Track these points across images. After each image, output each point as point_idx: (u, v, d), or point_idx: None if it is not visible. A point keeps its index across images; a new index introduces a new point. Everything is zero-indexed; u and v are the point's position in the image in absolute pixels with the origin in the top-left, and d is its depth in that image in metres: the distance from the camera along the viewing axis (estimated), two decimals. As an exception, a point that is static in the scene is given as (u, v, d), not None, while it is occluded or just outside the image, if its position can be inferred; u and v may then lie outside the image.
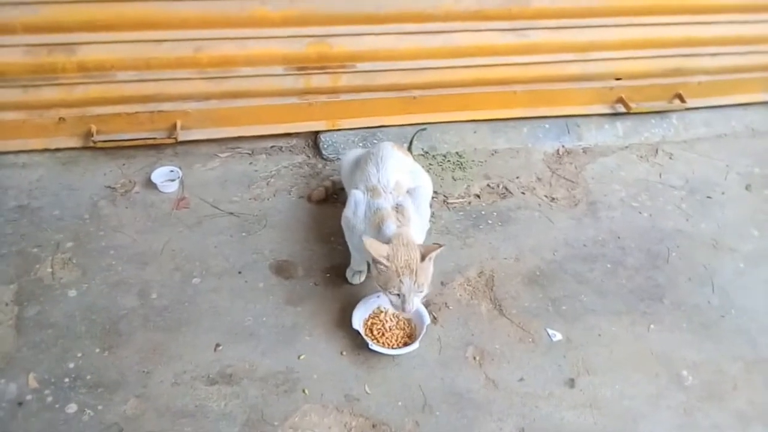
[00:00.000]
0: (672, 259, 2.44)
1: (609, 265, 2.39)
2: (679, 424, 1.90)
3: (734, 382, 2.03)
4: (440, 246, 1.88)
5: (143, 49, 2.44)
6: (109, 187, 2.51)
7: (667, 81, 3.07)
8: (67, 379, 1.84)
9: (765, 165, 3.00)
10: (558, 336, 2.11)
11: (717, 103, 3.21)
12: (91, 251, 2.23)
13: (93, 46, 2.40)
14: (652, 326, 2.18)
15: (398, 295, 1.87)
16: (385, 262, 1.84)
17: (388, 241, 1.89)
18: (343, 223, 2.13)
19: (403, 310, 1.89)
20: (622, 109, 3.05)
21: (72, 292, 2.09)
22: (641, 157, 2.99)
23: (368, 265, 2.15)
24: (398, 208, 2.03)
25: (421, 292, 1.89)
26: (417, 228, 2.05)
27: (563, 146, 2.99)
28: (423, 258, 1.86)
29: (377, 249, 1.85)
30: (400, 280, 1.84)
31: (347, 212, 2.09)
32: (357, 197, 2.08)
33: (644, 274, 2.37)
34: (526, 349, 2.06)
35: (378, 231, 1.96)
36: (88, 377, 1.85)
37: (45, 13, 2.28)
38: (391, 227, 1.95)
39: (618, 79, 3.01)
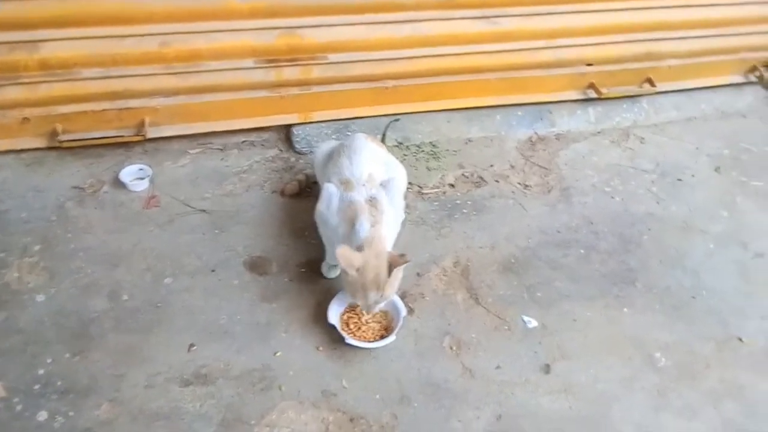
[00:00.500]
0: (644, 242, 2.47)
1: (582, 251, 2.41)
2: (654, 406, 1.93)
3: (706, 362, 2.07)
4: (407, 261, 1.89)
5: (108, 45, 2.39)
6: (77, 187, 2.46)
7: (637, 66, 3.09)
8: (37, 386, 1.81)
9: (734, 147, 3.05)
10: (533, 323, 2.12)
11: (686, 86, 3.24)
12: (60, 254, 2.19)
13: (55, 43, 2.34)
14: (625, 309, 2.20)
15: (366, 304, 1.93)
16: (354, 274, 1.86)
17: (360, 243, 1.90)
18: (316, 218, 2.12)
19: (366, 311, 1.97)
20: (594, 95, 3.07)
21: (40, 297, 2.05)
22: (613, 142, 3.01)
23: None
24: (372, 201, 2.02)
25: (385, 300, 1.93)
26: (390, 221, 2.04)
27: (536, 133, 3.00)
28: (390, 272, 1.87)
29: (349, 260, 1.86)
30: (365, 294, 1.88)
31: (320, 206, 2.07)
32: (330, 190, 2.06)
33: (617, 258, 2.39)
34: (502, 336, 2.08)
35: (351, 228, 1.95)
36: (59, 383, 1.82)
37: (5, 9, 2.22)
38: (364, 226, 1.93)
39: (589, 64, 3.03)
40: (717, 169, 2.90)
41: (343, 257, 1.85)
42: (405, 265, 1.90)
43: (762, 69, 3.29)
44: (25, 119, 2.45)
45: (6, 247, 2.19)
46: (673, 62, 3.14)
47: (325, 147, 2.36)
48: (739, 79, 3.34)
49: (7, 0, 2.20)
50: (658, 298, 2.26)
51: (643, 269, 2.36)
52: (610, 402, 1.92)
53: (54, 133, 2.49)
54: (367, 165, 2.11)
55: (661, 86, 3.13)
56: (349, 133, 2.77)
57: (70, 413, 1.75)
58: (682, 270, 2.37)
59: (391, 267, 1.87)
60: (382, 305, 1.97)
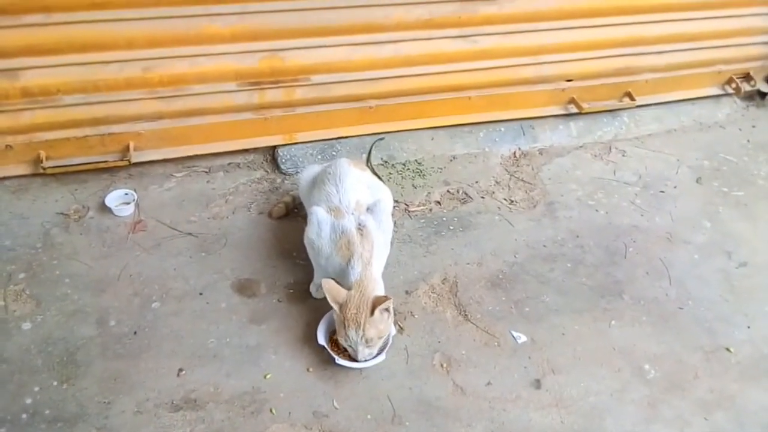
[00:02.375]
0: (629, 254, 2.50)
1: (569, 264, 2.43)
2: (645, 417, 1.93)
3: (695, 372, 2.08)
4: (388, 299, 1.90)
5: (90, 71, 2.40)
6: (62, 213, 2.44)
7: (616, 80, 3.15)
8: (24, 415, 1.78)
9: (714, 158, 3.10)
10: (522, 338, 2.13)
11: (665, 99, 3.30)
12: (45, 281, 2.17)
13: (37, 71, 2.34)
14: (613, 322, 2.22)
15: (348, 345, 1.93)
16: (337, 310, 1.89)
17: (350, 287, 1.94)
18: (306, 244, 2.14)
19: (355, 357, 1.94)
20: (575, 110, 3.12)
21: (26, 325, 2.02)
22: (595, 155, 3.05)
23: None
24: (361, 230, 2.05)
25: (369, 346, 1.92)
26: (381, 247, 2.09)
27: (519, 149, 3.04)
28: (372, 312, 1.88)
29: (334, 296, 1.90)
30: (346, 333, 1.88)
31: (310, 233, 2.09)
32: (319, 216, 2.08)
33: (603, 270, 2.41)
34: (492, 353, 2.08)
35: (346, 264, 2.00)
36: (47, 412, 1.79)
37: (-15, 38, 2.22)
38: (356, 270, 1.97)
39: (569, 80, 3.08)
40: (698, 180, 2.95)
41: (328, 292, 1.89)
42: (386, 305, 1.90)
43: (738, 81, 3.36)
44: (8, 146, 2.44)
45: (-10, 276, 2.17)
46: (651, 76, 3.20)
47: (309, 172, 2.38)
48: (716, 91, 3.41)
49: (-12, 29, 2.21)
50: (646, 309, 2.27)
51: (629, 281, 2.38)
52: (601, 415, 1.92)
53: (38, 160, 2.48)
54: (354, 192, 2.16)
55: (640, 100, 3.19)
56: (335, 154, 2.79)
57: (58, 443, 1.72)
58: (668, 281, 2.39)
59: (374, 307, 1.88)
60: (371, 353, 1.94)
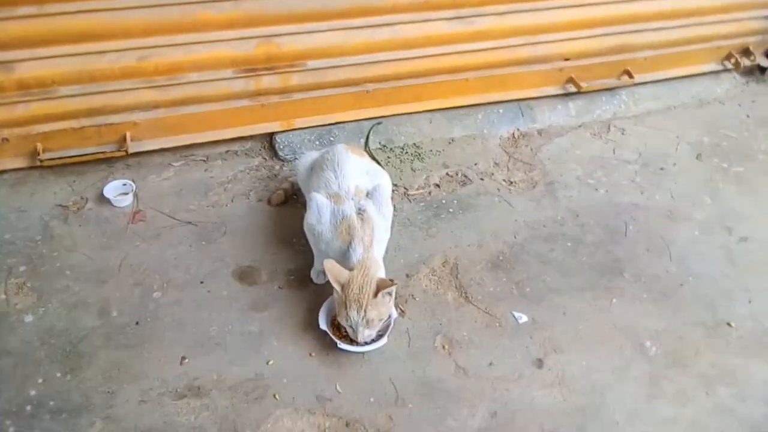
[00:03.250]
0: (630, 232, 2.49)
1: (569, 244, 2.43)
2: (646, 394, 1.94)
3: (696, 348, 2.09)
4: (394, 284, 1.90)
5: (85, 61, 2.37)
6: (61, 205, 2.44)
7: (614, 58, 3.12)
8: (29, 407, 1.79)
9: (713, 134, 3.08)
10: (524, 318, 2.13)
11: (664, 76, 3.28)
12: (46, 273, 2.17)
13: (32, 63, 2.32)
14: (614, 300, 2.22)
15: (349, 325, 1.92)
16: (338, 289, 1.88)
17: (352, 269, 1.93)
18: (306, 230, 2.14)
19: (355, 338, 1.94)
20: (573, 89, 3.10)
21: (28, 317, 2.03)
22: (594, 134, 3.04)
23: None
24: (361, 215, 2.04)
25: (370, 327, 1.92)
26: (381, 231, 2.08)
27: (518, 129, 3.02)
28: (375, 294, 1.88)
29: (335, 276, 1.89)
30: (347, 313, 1.88)
31: (311, 219, 2.09)
32: (319, 202, 2.08)
33: (604, 249, 2.41)
34: (494, 333, 2.08)
35: (347, 247, 1.99)
36: (51, 403, 1.80)
37: (-22, 31, 2.21)
38: (358, 252, 1.97)
39: (567, 59, 3.05)
40: (698, 157, 2.93)
41: (330, 271, 1.88)
42: (391, 289, 1.90)
43: (737, 56, 3.33)
44: (5, 140, 2.44)
45: (-9, 270, 2.17)
46: (649, 53, 3.17)
47: (306, 158, 2.38)
48: (715, 66, 3.38)
49: (-19, 21, 2.20)
50: (647, 286, 2.27)
51: (630, 259, 2.38)
52: (603, 392, 1.93)
53: (35, 153, 2.47)
54: (353, 177, 2.15)
55: (639, 77, 3.17)
56: (333, 139, 2.78)
57: (64, 433, 1.74)
58: (669, 258, 2.39)
59: (378, 290, 1.88)
60: (371, 334, 1.94)
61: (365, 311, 1.87)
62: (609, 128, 3.08)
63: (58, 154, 2.50)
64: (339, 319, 1.94)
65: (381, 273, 2.01)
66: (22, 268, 2.18)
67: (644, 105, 3.22)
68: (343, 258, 2.01)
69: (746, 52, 3.37)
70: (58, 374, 1.88)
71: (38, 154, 2.46)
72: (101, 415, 1.78)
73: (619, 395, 1.93)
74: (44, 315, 2.04)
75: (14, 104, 2.39)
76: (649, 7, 3.04)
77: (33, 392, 1.83)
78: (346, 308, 1.88)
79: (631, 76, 3.14)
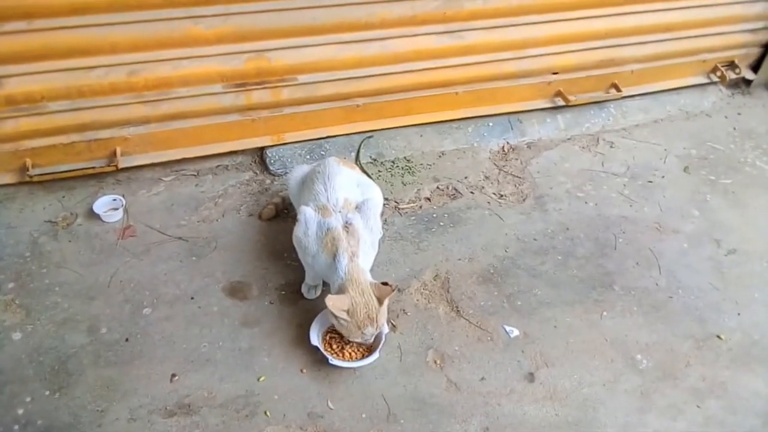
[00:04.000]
0: (619, 245, 2.51)
1: (560, 257, 2.44)
2: (638, 407, 1.95)
3: (686, 360, 2.10)
4: (393, 289, 1.92)
5: (74, 77, 2.36)
6: (50, 221, 2.43)
7: (601, 72, 3.15)
8: (16, 426, 1.77)
9: (701, 146, 3.12)
10: (515, 332, 2.14)
11: (651, 89, 3.31)
12: (35, 290, 2.16)
13: (20, 78, 2.31)
14: (604, 313, 2.23)
15: (364, 340, 1.96)
16: (346, 317, 1.88)
17: (342, 281, 1.94)
18: (294, 243, 2.13)
19: (362, 341, 1.97)
20: (562, 102, 3.12)
21: (17, 335, 2.01)
22: (583, 147, 3.06)
23: (323, 281, 2.17)
24: (348, 228, 2.04)
25: (380, 328, 1.96)
26: (367, 246, 2.08)
27: (508, 143, 3.04)
28: (380, 303, 1.90)
29: (338, 306, 1.88)
30: (362, 332, 1.90)
31: (298, 232, 2.09)
32: (307, 215, 2.08)
33: (594, 262, 2.42)
34: (485, 347, 2.09)
35: (332, 259, 1.99)
36: (39, 422, 1.78)
37: (-35, 47, 2.20)
38: (342, 262, 1.96)
39: (555, 73, 3.08)
40: (686, 169, 2.96)
41: (333, 307, 1.87)
42: (393, 293, 1.93)
43: (723, 69, 3.38)
44: (-7, 155, 2.42)
45: (-22, 287, 2.15)
46: (636, 67, 3.21)
47: (298, 172, 2.38)
48: (702, 79, 3.42)
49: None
50: (636, 299, 2.29)
51: (619, 272, 2.39)
52: (595, 406, 1.94)
53: (24, 168, 2.45)
54: (342, 190, 2.15)
55: (626, 91, 3.20)
56: (323, 153, 2.79)
57: (52, 453, 1.72)
58: (658, 271, 2.41)
59: (380, 299, 1.90)
60: (376, 332, 1.98)
61: (377, 322, 1.90)
62: (597, 141, 3.11)
63: (48, 169, 2.49)
64: (352, 339, 1.96)
65: (368, 278, 2.01)
66: (10, 285, 2.17)
67: (632, 118, 3.26)
68: (330, 270, 2.00)
69: (732, 65, 3.41)
70: (47, 392, 1.86)
71: (27, 170, 2.44)
72: (90, 434, 1.77)
73: (610, 409, 1.93)
74: (33, 332, 2.02)
75: (3, 120, 2.37)
76: (636, 21, 3.08)
77: (21, 411, 1.81)
78: (360, 329, 1.89)
79: (618, 89, 3.18)
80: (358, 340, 1.95)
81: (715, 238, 2.57)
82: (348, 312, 1.88)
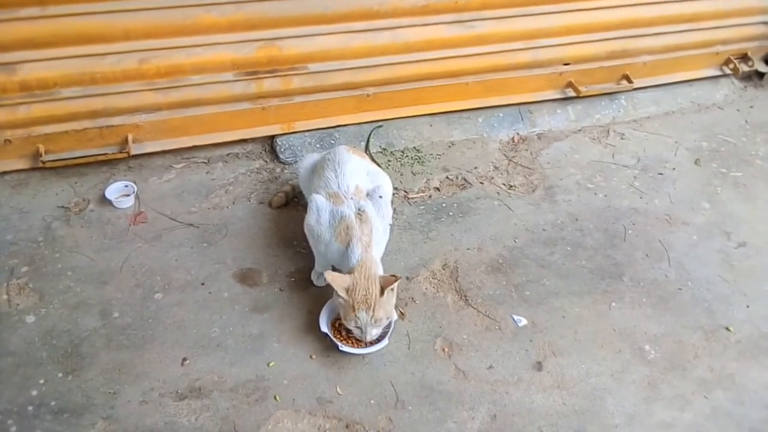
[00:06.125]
0: (629, 236, 2.50)
1: (569, 248, 2.44)
2: (645, 397, 1.95)
3: (694, 351, 2.10)
4: (397, 279, 1.92)
5: (87, 63, 2.39)
6: (62, 207, 2.45)
7: (613, 63, 3.14)
8: (30, 407, 1.80)
9: (712, 139, 3.10)
10: (523, 321, 2.14)
11: (663, 81, 3.30)
12: (48, 274, 2.18)
13: (34, 64, 2.34)
14: (613, 304, 2.23)
15: (357, 327, 1.93)
16: (344, 295, 1.88)
17: (351, 269, 1.94)
18: (306, 231, 2.14)
19: (363, 339, 1.95)
20: (572, 93, 3.11)
21: (30, 318, 2.04)
22: (594, 139, 3.05)
23: (333, 267, 2.17)
24: (360, 215, 2.05)
25: (378, 326, 1.94)
26: (379, 233, 2.08)
27: (518, 134, 3.04)
28: (382, 292, 1.90)
29: (339, 283, 1.89)
30: (356, 315, 1.89)
31: (310, 220, 2.10)
32: (319, 203, 2.09)
33: (603, 253, 2.42)
34: (493, 336, 2.09)
35: (345, 248, 2.00)
36: (53, 403, 1.81)
37: (-18, 33, 2.22)
38: (356, 252, 1.97)
39: (566, 64, 3.07)
40: (697, 162, 2.95)
41: (333, 282, 1.88)
42: (396, 284, 1.92)
43: (736, 61, 3.35)
44: (7, 141, 2.45)
45: (-7, 270, 2.18)
46: (648, 58, 3.19)
47: (308, 160, 2.38)
48: (714, 72, 3.41)
49: (-16, 23, 2.21)
50: (645, 291, 2.29)
51: (629, 263, 2.39)
52: (602, 395, 1.94)
53: (37, 154, 2.48)
54: (353, 177, 2.16)
55: (638, 82, 3.19)
56: (333, 142, 2.80)
57: (65, 433, 1.74)
58: (668, 262, 2.40)
59: (382, 289, 1.90)
60: (378, 332, 1.97)
61: (374, 311, 1.88)
62: (608, 133, 3.10)
63: (60, 155, 2.52)
64: (346, 323, 1.95)
65: (380, 272, 2.02)
66: (24, 269, 2.19)
67: (643, 110, 3.24)
68: (343, 259, 2.02)
69: (745, 57, 3.39)
70: (60, 374, 1.88)
71: (40, 156, 2.47)
72: (103, 415, 1.79)
73: (618, 399, 1.94)
74: (46, 316, 2.05)
75: (16, 106, 2.40)
76: (649, 13, 3.06)
77: (35, 392, 1.83)
78: (354, 311, 1.89)
79: (630, 80, 3.16)
80: (352, 324, 1.93)
81: (726, 231, 2.56)
82: (347, 291, 1.89)
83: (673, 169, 2.89)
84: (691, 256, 2.43)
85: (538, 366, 2.01)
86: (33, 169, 2.52)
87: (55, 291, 2.13)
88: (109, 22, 2.33)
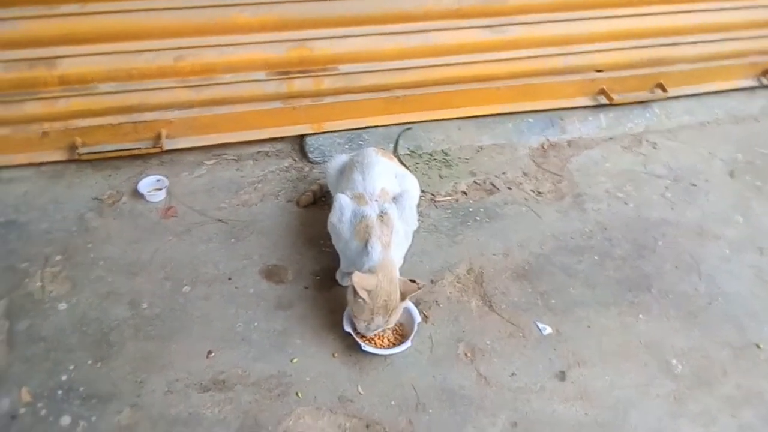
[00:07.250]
0: (658, 248, 2.47)
1: (596, 257, 2.41)
2: (670, 412, 1.92)
3: (723, 368, 2.05)
4: (420, 287, 1.92)
5: (123, 59, 2.45)
6: (96, 198, 2.51)
7: (647, 71, 3.10)
8: (60, 392, 1.84)
9: (747, 151, 3.04)
10: (548, 329, 2.13)
11: (698, 91, 3.25)
12: (80, 264, 2.23)
13: (73, 59, 2.40)
14: (640, 316, 2.20)
15: (366, 326, 1.94)
16: (366, 297, 1.88)
17: (372, 267, 1.94)
18: (329, 228, 2.16)
19: (364, 331, 1.96)
20: (605, 101, 3.08)
21: (62, 305, 2.09)
22: (625, 147, 3.02)
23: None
24: (383, 217, 2.06)
25: (386, 327, 1.97)
26: (401, 237, 2.09)
27: (548, 140, 3.01)
28: (403, 298, 1.91)
29: (363, 284, 1.88)
30: (373, 318, 1.90)
31: (332, 218, 2.11)
32: (342, 202, 2.10)
33: (631, 264, 2.39)
34: (517, 343, 2.08)
35: (364, 246, 2.00)
36: (81, 389, 1.85)
37: (24, 27, 2.28)
38: (376, 249, 1.97)
39: (599, 71, 3.04)
40: (731, 174, 2.89)
41: (359, 284, 1.87)
42: (416, 294, 1.92)
43: (774, 73, 3.28)
44: (45, 133, 2.51)
45: (29, 258, 2.24)
46: (683, 67, 3.14)
47: (337, 161, 2.40)
48: (750, 82, 3.34)
49: (27, 18, 2.27)
50: (674, 304, 2.25)
51: (658, 275, 2.35)
52: (626, 408, 1.92)
53: (73, 146, 2.54)
54: (380, 180, 2.16)
55: (672, 91, 3.14)
56: (362, 143, 2.81)
57: (93, 418, 1.78)
58: (698, 276, 2.36)
59: (403, 294, 1.91)
60: (379, 331, 1.98)
61: (390, 316, 1.90)
62: (640, 142, 3.05)
63: (96, 148, 2.57)
64: (356, 320, 1.95)
65: (398, 273, 2.01)
66: (57, 258, 2.25)
67: (677, 119, 3.19)
68: (361, 257, 2.01)
69: (783, 68, 3.31)
70: (89, 361, 1.93)
71: (76, 148, 2.53)
72: (129, 402, 1.82)
73: (642, 413, 1.91)
74: (77, 303, 2.10)
75: (55, 99, 2.46)
76: (684, 21, 3.02)
77: (64, 377, 1.88)
78: (372, 314, 1.89)
79: (664, 89, 3.12)
80: (362, 325, 1.93)
81: (759, 246, 2.51)
82: (370, 293, 1.88)
83: (706, 180, 2.83)
84: (722, 270, 2.39)
85: (562, 375, 1.99)
86: (69, 160, 2.59)
87: (87, 280, 2.18)
88: (146, 20, 2.38)
